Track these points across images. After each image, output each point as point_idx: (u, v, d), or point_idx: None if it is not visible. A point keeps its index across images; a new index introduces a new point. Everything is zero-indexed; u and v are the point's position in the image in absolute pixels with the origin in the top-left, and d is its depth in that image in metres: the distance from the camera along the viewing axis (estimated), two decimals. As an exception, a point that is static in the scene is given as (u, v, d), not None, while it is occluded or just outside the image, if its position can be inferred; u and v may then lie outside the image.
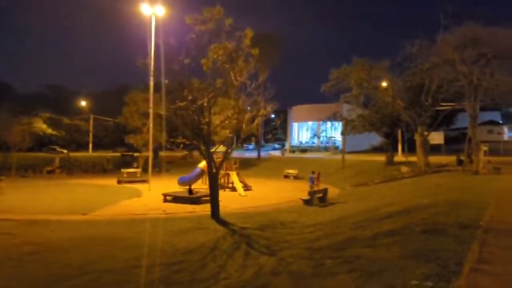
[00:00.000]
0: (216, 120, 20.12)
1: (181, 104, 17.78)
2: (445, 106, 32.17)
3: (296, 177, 40.54)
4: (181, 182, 30.39)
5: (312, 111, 66.63)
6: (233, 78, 17.89)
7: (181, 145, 23.67)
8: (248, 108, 19.19)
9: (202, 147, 18.98)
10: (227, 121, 20.16)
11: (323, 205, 24.43)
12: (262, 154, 62.11)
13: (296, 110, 73.33)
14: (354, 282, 6.79)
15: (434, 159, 39.46)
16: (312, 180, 27.97)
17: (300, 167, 42.68)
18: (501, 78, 26.09)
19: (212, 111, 18.67)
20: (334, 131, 70.32)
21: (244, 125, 18.60)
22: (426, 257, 7.20)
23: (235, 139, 24.00)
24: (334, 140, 68.62)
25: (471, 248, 7.66)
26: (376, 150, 55.00)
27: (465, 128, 41.57)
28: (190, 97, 17.67)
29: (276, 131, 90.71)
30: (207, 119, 18.28)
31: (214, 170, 19.21)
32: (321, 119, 57.57)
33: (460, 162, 33.10)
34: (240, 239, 14.73)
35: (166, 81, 20.47)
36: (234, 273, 10.48)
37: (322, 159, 52.66)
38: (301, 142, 74.86)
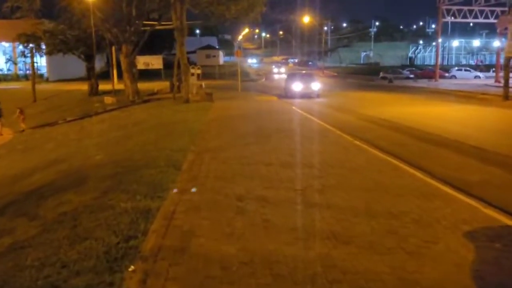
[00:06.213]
0: None
1: None
2: (152, 22, 26.11)
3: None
4: None
5: (3, 29, 50.28)
6: None
7: None
8: None
9: None
10: None
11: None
12: None
13: (-21, 26, 54.67)
14: None
15: (152, 85, 35.25)
16: None
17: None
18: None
19: None
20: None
21: None
22: None
23: None
24: (38, 65, 54.75)
25: None
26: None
27: (188, 53, 36.87)
28: None
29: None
30: None
31: None
32: (17, 39, 43.11)
33: (173, 88, 28.42)
34: None
35: None
36: None
37: (15, 90, 40.24)
38: (-8, 69, 57.46)
